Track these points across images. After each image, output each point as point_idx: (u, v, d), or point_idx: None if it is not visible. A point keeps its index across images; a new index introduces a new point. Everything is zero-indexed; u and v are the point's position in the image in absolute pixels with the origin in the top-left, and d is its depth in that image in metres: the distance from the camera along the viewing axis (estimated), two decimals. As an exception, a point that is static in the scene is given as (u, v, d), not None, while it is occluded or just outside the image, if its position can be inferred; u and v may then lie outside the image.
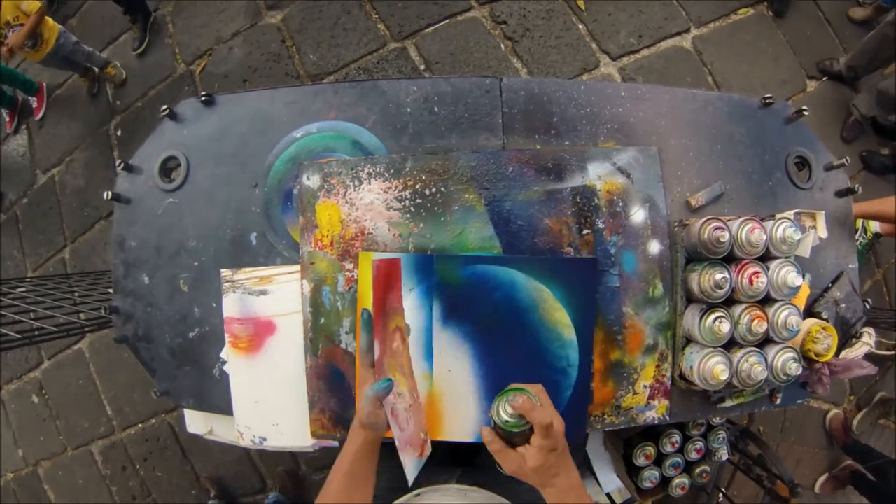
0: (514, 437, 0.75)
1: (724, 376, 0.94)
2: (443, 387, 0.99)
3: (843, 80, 2.48)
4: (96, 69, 2.66)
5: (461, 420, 1.00)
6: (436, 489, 1.00)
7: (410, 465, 0.86)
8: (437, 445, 1.18)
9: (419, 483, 1.11)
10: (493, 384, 0.99)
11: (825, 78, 2.51)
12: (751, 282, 0.93)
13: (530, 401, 0.73)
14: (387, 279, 0.95)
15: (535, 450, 0.72)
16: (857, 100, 2.43)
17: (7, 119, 2.81)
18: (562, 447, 0.73)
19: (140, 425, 2.44)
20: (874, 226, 2.23)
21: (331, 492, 0.80)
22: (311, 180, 1.04)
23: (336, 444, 1.06)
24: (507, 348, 0.99)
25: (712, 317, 0.95)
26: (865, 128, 2.44)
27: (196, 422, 1.17)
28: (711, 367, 0.95)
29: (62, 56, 2.46)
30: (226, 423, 1.12)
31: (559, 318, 0.98)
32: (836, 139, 2.47)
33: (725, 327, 0.94)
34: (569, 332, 0.99)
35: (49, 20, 2.38)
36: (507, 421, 0.74)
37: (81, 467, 2.50)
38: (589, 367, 1.00)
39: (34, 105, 2.79)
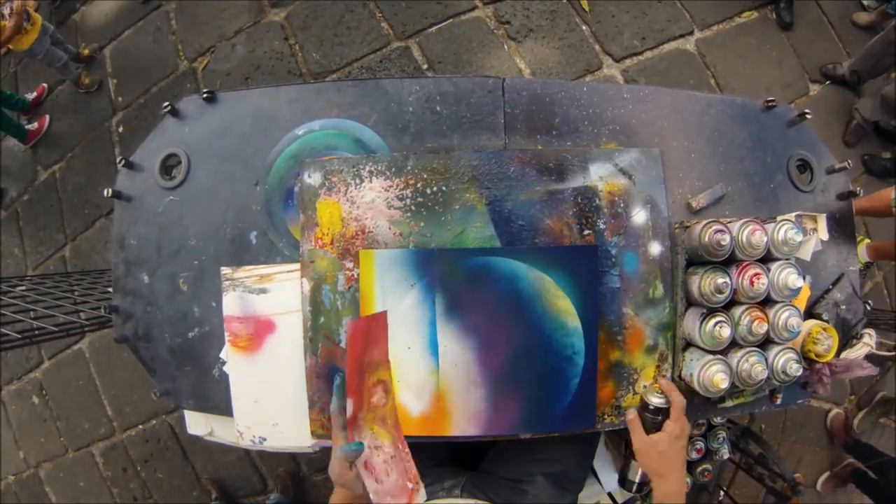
0: (652, 423, 0.94)
1: (725, 384, 0.94)
2: (449, 382, 0.99)
3: (846, 84, 2.48)
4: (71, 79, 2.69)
5: (470, 415, 1.00)
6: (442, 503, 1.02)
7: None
8: (442, 446, 1.18)
9: (424, 486, 1.11)
10: (500, 376, 0.99)
11: (828, 82, 2.50)
12: (752, 283, 0.93)
13: (671, 383, 0.97)
14: (367, 336, 0.93)
15: (666, 435, 0.92)
16: (860, 104, 2.43)
17: (36, 126, 2.78)
18: (683, 440, 0.92)
19: (140, 426, 2.44)
20: (862, 254, 2.23)
21: None
22: (313, 178, 1.04)
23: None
24: (512, 339, 0.99)
25: (713, 321, 0.95)
26: (868, 131, 2.44)
27: (196, 423, 1.17)
28: (711, 376, 0.94)
29: (42, 53, 2.46)
30: (226, 423, 1.12)
31: (563, 306, 0.98)
32: (839, 142, 2.47)
33: (726, 332, 0.94)
34: (573, 320, 0.99)
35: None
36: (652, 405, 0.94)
37: (82, 469, 2.50)
38: (594, 354, 1.00)
39: (33, 128, 2.75)
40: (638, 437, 0.94)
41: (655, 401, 0.94)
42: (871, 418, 2.36)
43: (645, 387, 1.01)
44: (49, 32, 2.46)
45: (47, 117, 2.76)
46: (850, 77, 2.42)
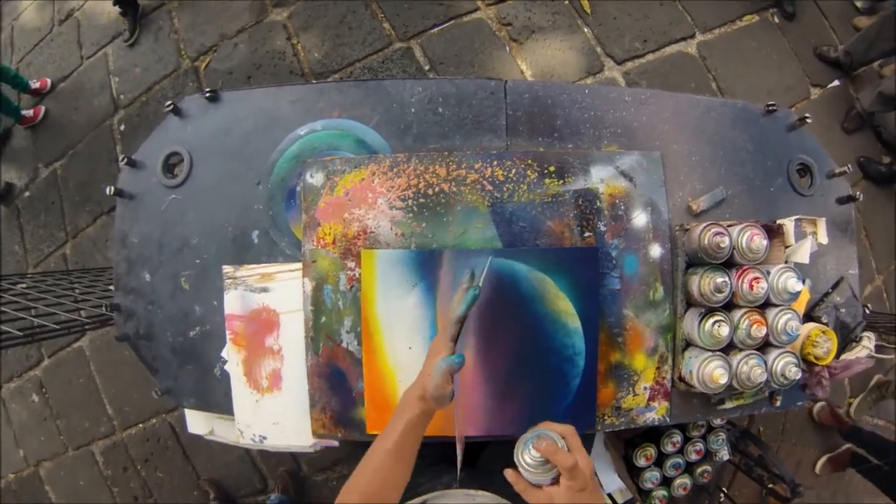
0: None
1: (724, 380, 0.94)
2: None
3: (839, 67, 2.51)
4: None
5: (470, 415, 1.00)
6: (442, 494, 1.00)
7: (459, 451, 0.86)
8: (440, 445, 1.19)
9: (422, 485, 1.11)
10: (501, 377, 1.00)
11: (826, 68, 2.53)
12: (751, 287, 0.93)
13: (553, 444, 0.71)
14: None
15: (564, 489, 0.71)
16: (861, 94, 2.47)
17: (31, 114, 2.79)
18: (591, 487, 0.71)
19: (141, 425, 2.43)
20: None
21: (370, 466, 0.75)
22: (315, 178, 1.04)
23: (336, 443, 1.07)
24: (513, 340, 0.99)
25: (711, 320, 0.96)
26: (867, 122, 2.46)
27: (197, 422, 1.17)
28: (711, 372, 0.95)
29: None
30: (227, 423, 1.12)
31: (563, 307, 0.99)
32: (838, 145, 2.47)
33: (725, 331, 0.95)
34: (573, 321, 0.99)
35: None
36: (528, 466, 0.72)
37: (83, 468, 2.49)
38: (595, 354, 1.00)
39: (28, 114, 2.77)
40: (529, 495, 0.74)
41: (528, 459, 0.73)
42: (867, 403, 2.36)
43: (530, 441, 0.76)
44: None
45: (43, 108, 2.77)
46: (844, 58, 2.45)
